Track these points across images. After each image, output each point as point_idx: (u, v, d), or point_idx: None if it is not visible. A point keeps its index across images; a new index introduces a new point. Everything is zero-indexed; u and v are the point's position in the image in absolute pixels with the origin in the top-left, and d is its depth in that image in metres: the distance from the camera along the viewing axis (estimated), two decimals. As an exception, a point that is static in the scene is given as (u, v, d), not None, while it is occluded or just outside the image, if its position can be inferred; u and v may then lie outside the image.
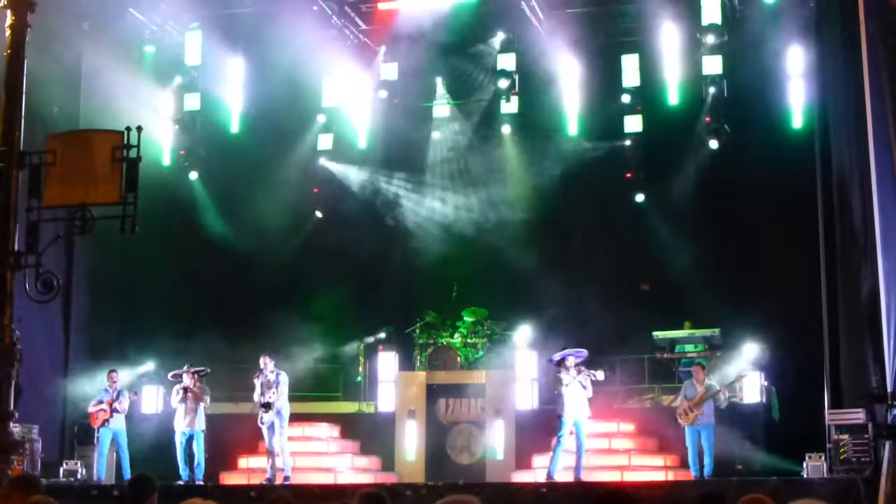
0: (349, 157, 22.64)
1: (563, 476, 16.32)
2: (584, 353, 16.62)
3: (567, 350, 16.65)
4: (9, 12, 8.72)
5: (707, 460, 16.29)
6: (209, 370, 17.71)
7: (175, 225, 21.37)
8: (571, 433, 16.24)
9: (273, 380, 16.78)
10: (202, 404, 17.24)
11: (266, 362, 16.91)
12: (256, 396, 16.97)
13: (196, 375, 17.28)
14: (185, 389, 17.12)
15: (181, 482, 16.62)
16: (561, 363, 16.42)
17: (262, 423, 16.81)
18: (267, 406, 16.69)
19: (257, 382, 16.87)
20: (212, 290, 21.66)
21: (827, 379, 16.66)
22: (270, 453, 16.93)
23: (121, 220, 8.75)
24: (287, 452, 16.98)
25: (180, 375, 17.31)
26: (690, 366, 17.76)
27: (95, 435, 17.70)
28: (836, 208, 16.96)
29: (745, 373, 17.71)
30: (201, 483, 17.06)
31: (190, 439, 17.12)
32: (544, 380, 18.62)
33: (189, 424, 17.09)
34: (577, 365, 16.28)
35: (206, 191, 21.98)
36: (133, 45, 21.00)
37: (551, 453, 16.27)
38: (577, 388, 16.15)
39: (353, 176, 22.77)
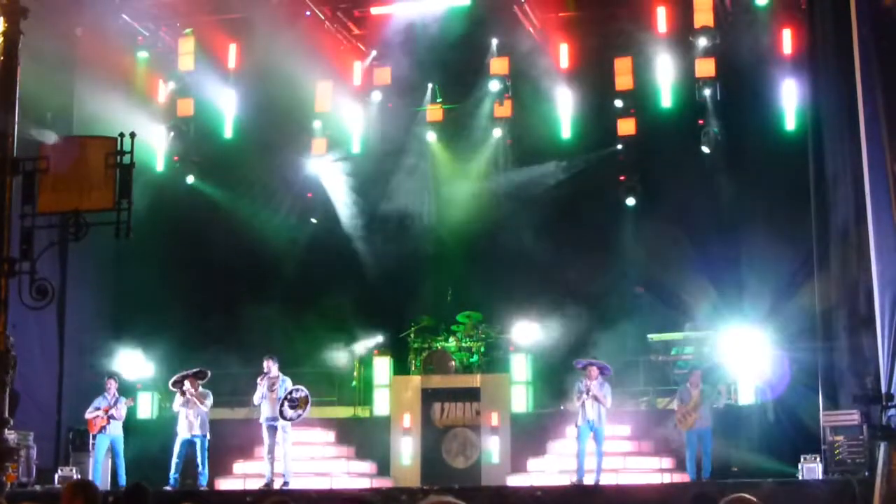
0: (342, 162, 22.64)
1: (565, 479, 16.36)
2: (610, 369, 16.60)
3: (593, 360, 16.63)
4: (2, 19, 8.71)
5: (706, 464, 16.31)
6: (209, 372, 17.51)
7: (169, 231, 21.33)
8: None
9: (278, 384, 16.70)
10: (203, 408, 17.06)
11: (270, 365, 16.83)
12: (257, 399, 16.88)
13: (195, 379, 17.14)
14: (186, 392, 16.96)
15: (168, 487, 16.46)
16: (584, 370, 16.41)
17: (268, 427, 16.71)
18: (282, 417, 16.60)
19: (262, 385, 16.78)
20: (205, 295, 21.64)
21: (822, 380, 16.67)
22: (270, 457, 16.89)
23: (115, 227, 8.75)
24: (289, 458, 16.94)
25: (181, 382, 17.14)
26: (686, 368, 17.73)
27: (91, 441, 17.68)
28: (830, 210, 16.98)
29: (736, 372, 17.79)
30: (205, 489, 16.97)
31: (191, 444, 16.96)
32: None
33: (190, 429, 16.93)
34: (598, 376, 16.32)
35: (200, 197, 21.96)
36: (126, 50, 20.99)
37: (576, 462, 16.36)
38: (594, 398, 16.15)
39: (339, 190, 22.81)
